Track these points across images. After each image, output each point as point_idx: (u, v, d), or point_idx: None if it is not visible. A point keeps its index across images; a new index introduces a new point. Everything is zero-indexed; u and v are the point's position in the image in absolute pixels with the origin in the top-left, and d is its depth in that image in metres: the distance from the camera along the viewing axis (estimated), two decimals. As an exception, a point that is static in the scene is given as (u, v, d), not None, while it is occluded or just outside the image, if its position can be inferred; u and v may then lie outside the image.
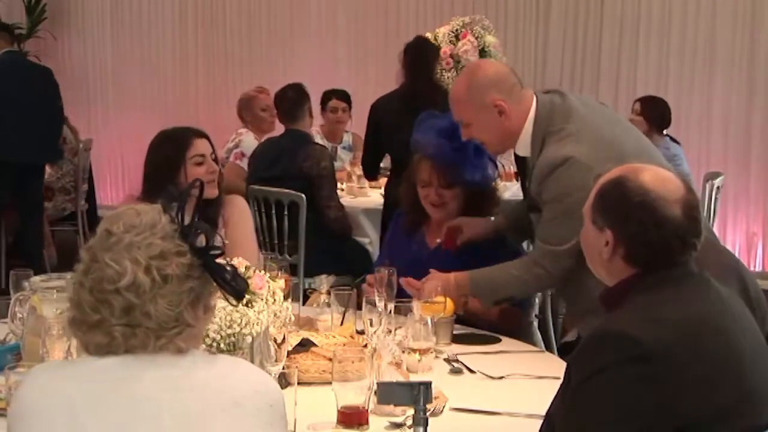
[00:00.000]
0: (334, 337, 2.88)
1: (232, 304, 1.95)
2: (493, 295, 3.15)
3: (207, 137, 3.37)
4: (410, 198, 3.49)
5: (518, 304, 3.30)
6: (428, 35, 6.13)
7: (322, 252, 5.24)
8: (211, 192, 3.23)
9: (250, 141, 6.03)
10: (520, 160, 3.21)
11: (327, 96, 6.78)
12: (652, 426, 1.79)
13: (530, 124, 3.04)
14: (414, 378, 2.50)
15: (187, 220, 1.65)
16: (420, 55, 5.50)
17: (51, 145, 6.77)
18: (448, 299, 3.01)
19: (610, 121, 3.16)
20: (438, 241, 3.41)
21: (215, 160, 3.37)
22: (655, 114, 6.30)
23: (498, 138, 3.09)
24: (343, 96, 6.84)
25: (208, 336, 2.39)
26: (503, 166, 3.81)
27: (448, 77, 6.02)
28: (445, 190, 3.37)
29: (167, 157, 3.29)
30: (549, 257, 3.00)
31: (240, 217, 3.43)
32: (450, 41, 6.24)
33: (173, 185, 3.05)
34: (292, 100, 5.56)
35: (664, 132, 6.33)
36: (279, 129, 5.92)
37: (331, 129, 6.80)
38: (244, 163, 5.86)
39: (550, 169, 2.95)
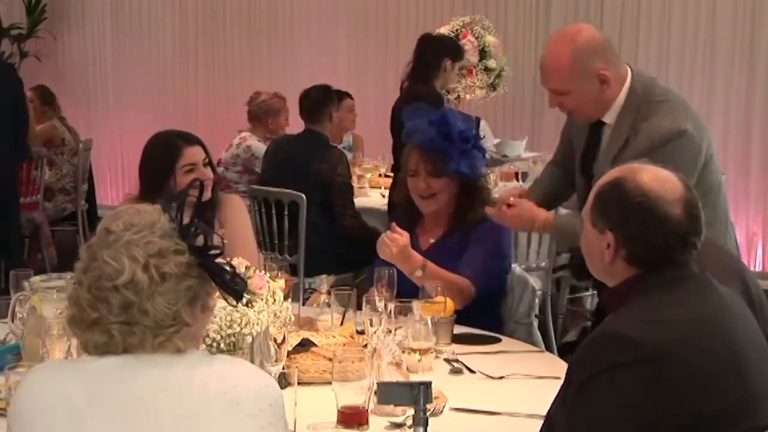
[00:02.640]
0: (334, 337, 2.87)
1: (231, 305, 1.95)
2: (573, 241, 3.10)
3: (200, 143, 3.35)
4: (403, 195, 3.46)
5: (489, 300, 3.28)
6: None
7: (326, 252, 5.24)
8: (204, 194, 3.22)
9: (259, 145, 6.01)
10: (593, 128, 3.09)
11: (338, 96, 6.61)
12: (653, 427, 1.79)
13: (624, 93, 2.99)
14: (414, 378, 2.49)
15: (186, 220, 1.66)
16: (417, 59, 5.50)
17: (18, 143, 6.05)
18: (448, 299, 3.01)
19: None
20: (432, 241, 3.39)
21: (209, 164, 3.36)
22: None
23: (593, 107, 3.01)
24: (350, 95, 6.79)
25: (208, 336, 2.39)
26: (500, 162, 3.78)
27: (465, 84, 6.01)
28: (433, 179, 3.32)
29: (157, 165, 3.30)
30: None
31: (237, 217, 3.42)
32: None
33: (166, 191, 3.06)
34: (314, 100, 5.54)
35: None
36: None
37: (342, 128, 6.70)
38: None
39: (663, 140, 2.89)
